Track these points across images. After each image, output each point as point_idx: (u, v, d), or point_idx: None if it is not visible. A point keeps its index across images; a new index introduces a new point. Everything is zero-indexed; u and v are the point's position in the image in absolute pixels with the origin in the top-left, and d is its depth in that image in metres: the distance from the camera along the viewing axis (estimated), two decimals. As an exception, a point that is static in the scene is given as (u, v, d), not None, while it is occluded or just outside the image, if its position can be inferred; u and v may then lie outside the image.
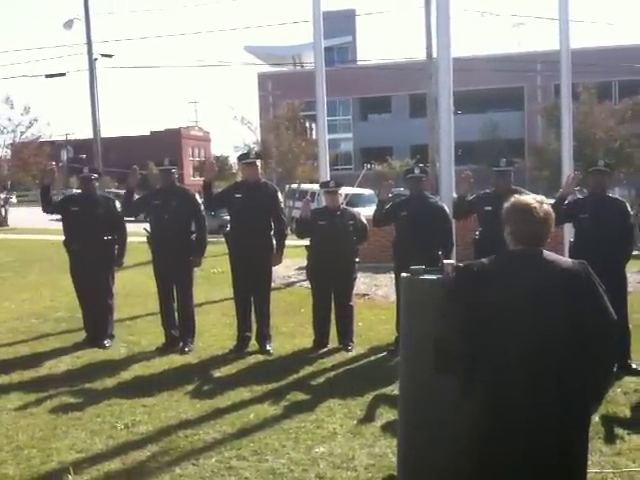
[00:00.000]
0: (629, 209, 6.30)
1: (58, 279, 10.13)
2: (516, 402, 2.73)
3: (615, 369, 5.46)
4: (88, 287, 7.11)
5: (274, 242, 6.86)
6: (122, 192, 9.33)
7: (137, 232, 8.04)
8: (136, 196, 7.25)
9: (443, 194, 7.92)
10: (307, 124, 28.99)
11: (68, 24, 26.82)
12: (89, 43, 25.03)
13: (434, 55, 12.98)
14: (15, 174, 28.65)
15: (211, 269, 11.37)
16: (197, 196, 7.09)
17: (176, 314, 7.03)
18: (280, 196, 7.25)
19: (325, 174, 9.00)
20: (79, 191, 7.47)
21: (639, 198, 18.55)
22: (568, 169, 8.28)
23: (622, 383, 5.57)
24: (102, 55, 26.23)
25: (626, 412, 5.00)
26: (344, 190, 8.15)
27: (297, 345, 7.03)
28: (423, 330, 3.41)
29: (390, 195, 7.47)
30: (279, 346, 6.94)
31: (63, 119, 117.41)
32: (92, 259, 6.96)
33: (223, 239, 7.23)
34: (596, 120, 20.77)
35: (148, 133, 61.81)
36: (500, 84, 37.74)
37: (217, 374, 6.12)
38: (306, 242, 7.19)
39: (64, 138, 52.56)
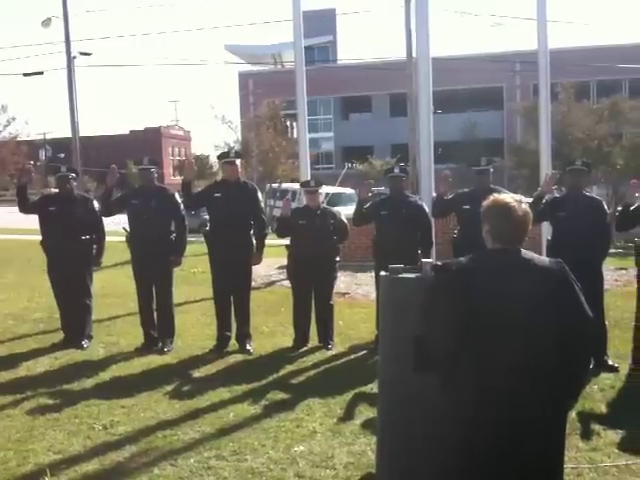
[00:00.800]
0: (606, 208, 6.36)
1: (36, 280, 10.03)
2: (495, 399, 2.75)
3: (592, 366, 5.55)
4: (66, 288, 7.04)
5: (254, 241, 6.85)
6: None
7: (116, 232, 7.99)
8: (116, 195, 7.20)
9: (423, 193, 7.96)
10: (288, 123, 28.98)
11: (46, 22, 26.53)
12: (67, 41, 24.82)
13: (414, 55, 13.03)
14: (-8, 174, 28.35)
15: (191, 269, 11.31)
16: (177, 195, 7.05)
17: (155, 314, 6.99)
18: (260, 195, 7.24)
19: (306, 173, 9.00)
20: (57, 191, 7.41)
21: (616, 197, 18.78)
22: (546, 168, 8.36)
23: (598, 380, 5.63)
24: (81, 53, 26.06)
25: (602, 408, 5.06)
26: (325, 189, 8.16)
27: (277, 344, 7.03)
28: (402, 328, 3.43)
29: (370, 194, 7.50)
30: (259, 345, 6.93)
31: (41, 118, 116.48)
32: (70, 259, 6.90)
33: (203, 239, 7.21)
34: (574, 120, 20.94)
35: (127, 132, 61.40)
36: (479, 84, 37.95)
37: (197, 374, 6.09)
38: (286, 241, 7.19)
39: (42, 137, 52.07)
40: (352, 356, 6.72)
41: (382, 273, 3.82)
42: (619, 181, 19.36)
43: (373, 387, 5.17)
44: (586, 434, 4.53)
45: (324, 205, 7.43)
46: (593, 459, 4.14)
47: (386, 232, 6.92)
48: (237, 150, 16.86)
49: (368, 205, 7.13)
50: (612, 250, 7.93)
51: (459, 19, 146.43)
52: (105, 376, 6.01)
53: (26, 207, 7.10)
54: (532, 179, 16.71)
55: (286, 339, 7.11)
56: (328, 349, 6.83)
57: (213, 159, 37.02)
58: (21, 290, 10.40)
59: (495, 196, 2.96)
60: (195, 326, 7.82)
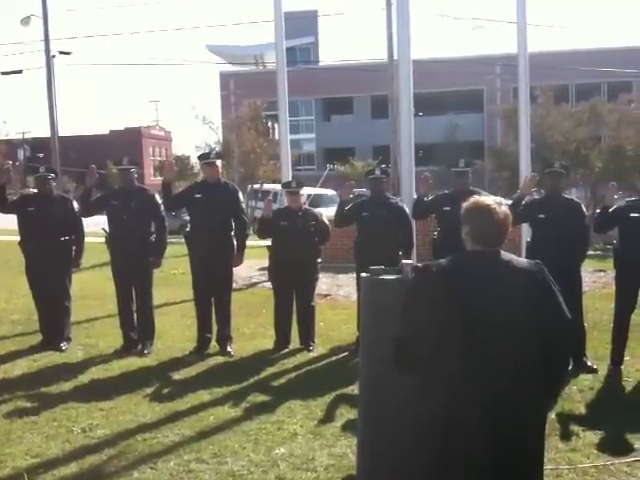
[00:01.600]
0: (584, 210, 6.43)
1: (14, 281, 9.90)
2: (475, 400, 2.76)
3: (571, 367, 5.60)
4: (45, 289, 6.97)
5: (235, 242, 6.83)
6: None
7: (95, 233, 7.92)
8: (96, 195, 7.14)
9: (404, 195, 7.98)
10: (269, 124, 28.93)
11: (25, 20, 26.28)
12: (47, 40, 24.62)
13: (395, 57, 13.07)
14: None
15: (171, 270, 11.25)
16: (157, 196, 7.00)
17: (135, 316, 6.94)
18: (241, 196, 7.22)
19: (287, 174, 8.99)
20: (36, 191, 7.33)
21: (594, 199, 18.99)
22: (526, 171, 8.41)
23: (577, 381, 5.68)
24: (60, 52, 25.85)
25: (581, 409, 5.10)
26: (306, 191, 8.16)
27: (258, 346, 7.00)
28: (383, 330, 3.42)
29: (351, 196, 7.51)
30: (240, 347, 6.90)
31: (20, 117, 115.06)
32: (49, 260, 6.82)
33: (183, 240, 7.16)
34: (553, 123, 21.12)
35: (107, 132, 60.94)
36: (460, 86, 38.20)
37: (176, 376, 6.05)
38: (268, 242, 7.17)
39: (21, 137, 51.50)
40: (333, 358, 6.72)
41: (363, 274, 3.82)
42: (597, 184, 19.59)
43: (354, 389, 5.16)
44: (565, 435, 4.56)
45: (305, 206, 7.43)
46: (572, 460, 4.17)
47: (367, 233, 6.93)
48: (218, 151, 16.82)
49: (349, 206, 7.14)
50: (591, 252, 8.00)
51: (440, 22, 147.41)
52: (84, 379, 5.95)
53: (4, 207, 7.01)
54: (512, 181, 16.82)
55: (267, 341, 7.09)
56: (309, 351, 6.82)
57: (194, 160, 36.86)
58: (-1, 291, 10.28)
59: (476, 198, 2.98)
60: (175, 328, 7.77)
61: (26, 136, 53.21)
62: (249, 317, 8.29)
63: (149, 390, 5.60)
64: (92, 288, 9.88)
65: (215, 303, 6.87)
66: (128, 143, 51.01)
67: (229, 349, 6.76)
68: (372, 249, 6.53)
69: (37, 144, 46.20)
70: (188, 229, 7.04)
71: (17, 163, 41.50)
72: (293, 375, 6.13)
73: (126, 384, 5.73)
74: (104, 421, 4.91)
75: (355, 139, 42.07)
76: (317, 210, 7.45)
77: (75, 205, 7.10)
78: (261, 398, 5.42)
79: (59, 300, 6.98)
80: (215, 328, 6.90)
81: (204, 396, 5.44)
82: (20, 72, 26.75)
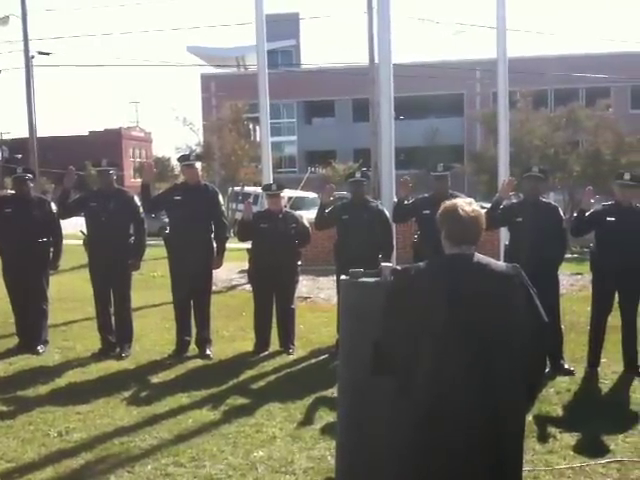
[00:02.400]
0: (562, 213, 6.50)
1: (-10, 283, 9.77)
2: (452, 403, 2.77)
3: (548, 369, 5.65)
4: (22, 291, 6.90)
5: (214, 245, 6.80)
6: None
7: (73, 234, 7.85)
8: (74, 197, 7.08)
9: (384, 198, 8.01)
10: (251, 126, 28.89)
11: (4, 20, 26.04)
12: (25, 40, 24.41)
13: (376, 60, 13.11)
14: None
15: (150, 273, 11.17)
16: (136, 198, 6.95)
17: (113, 319, 6.88)
18: (221, 198, 7.20)
19: (268, 177, 8.98)
20: (13, 192, 7.25)
21: (572, 203, 19.18)
22: (504, 174, 8.47)
23: (555, 383, 5.72)
24: (39, 53, 25.61)
25: (558, 411, 5.15)
26: (287, 193, 8.15)
27: (238, 349, 6.98)
28: (362, 333, 3.43)
29: (332, 198, 7.52)
30: (219, 350, 6.87)
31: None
32: (26, 262, 6.76)
33: (163, 242, 7.12)
34: (532, 127, 21.29)
35: (87, 133, 60.43)
36: (441, 91, 38.36)
37: (155, 379, 6.01)
38: (248, 245, 7.16)
39: (-1, 137, 50.93)
40: (313, 360, 6.71)
41: (342, 277, 3.83)
42: (575, 188, 19.76)
43: (333, 391, 5.17)
44: (542, 437, 4.59)
45: (286, 209, 7.42)
46: (549, 462, 4.20)
47: (347, 236, 6.93)
48: (198, 153, 16.77)
49: (330, 209, 7.15)
50: (568, 255, 8.07)
51: (421, 26, 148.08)
52: (61, 382, 5.89)
53: (-19, 209, 6.93)
54: (491, 185, 16.95)
55: (247, 344, 7.06)
56: (289, 354, 6.81)
57: (174, 161, 36.66)
58: (-26, 294, 10.13)
59: (445, 202, 3.01)
60: (154, 331, 7.72)
61: (4, 137, 52.65)
62: (229, 320, 8.26)
63: (127, 393, 5.55)
64: (70, 290, 9.79)
65: (194, 306, 6.84)
66: (108, 144, 50.65)
67: (208, 352, 6.73)
68: (352, 252, 6.54)
69: (15, 145, 45.64)
70: (167, 231, 7.00)
71: (-6, 164, 41.04)
72: (272, 378, 6.12)
73: (104, 387, 5.68)
74: (81, 425, 4.86)
75: (336, 142, 42.09)
76: (298, 213, 7.45)
77: (53, 207, 7.04)
78: (240, 401, 5.40)
79: (36, 302, 6.91)
80: (194, 331, 6.87)
81: (183, 399, 5.41)
82: (-2, 72, 26.48)
